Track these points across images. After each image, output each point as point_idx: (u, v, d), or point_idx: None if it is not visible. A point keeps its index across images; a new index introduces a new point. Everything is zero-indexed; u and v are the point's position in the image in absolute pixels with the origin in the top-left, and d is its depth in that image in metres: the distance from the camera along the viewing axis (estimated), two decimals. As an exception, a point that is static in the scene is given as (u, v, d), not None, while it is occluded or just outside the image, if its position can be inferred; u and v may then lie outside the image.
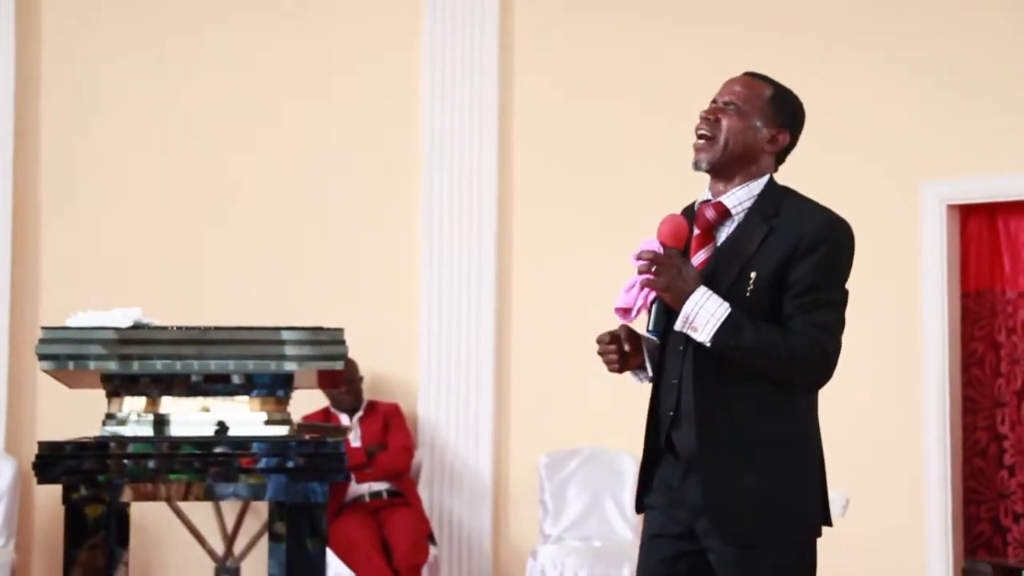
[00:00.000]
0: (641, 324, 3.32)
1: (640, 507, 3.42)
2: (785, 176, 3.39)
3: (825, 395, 3.32)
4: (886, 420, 6.43)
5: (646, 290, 3.25)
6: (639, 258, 3.23)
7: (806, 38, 6.71)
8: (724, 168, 3.30)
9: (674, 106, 6.84)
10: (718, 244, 3.28)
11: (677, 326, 3.20)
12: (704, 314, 3.16)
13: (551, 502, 6.99)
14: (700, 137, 3.31)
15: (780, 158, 3.37)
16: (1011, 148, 6.29)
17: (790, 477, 3.23)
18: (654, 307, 3.24)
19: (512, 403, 7.25)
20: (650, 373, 3.35)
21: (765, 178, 3.32)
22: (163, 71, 7.53)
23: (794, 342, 3.17)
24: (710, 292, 3.18)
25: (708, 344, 3.17)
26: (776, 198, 3.30)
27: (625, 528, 6.88)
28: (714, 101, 3.34)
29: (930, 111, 6.46)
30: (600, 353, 3.33)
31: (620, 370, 3.35)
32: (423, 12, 7.43)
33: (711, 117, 3.30)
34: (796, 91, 3.40)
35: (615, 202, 7.10)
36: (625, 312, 3.30)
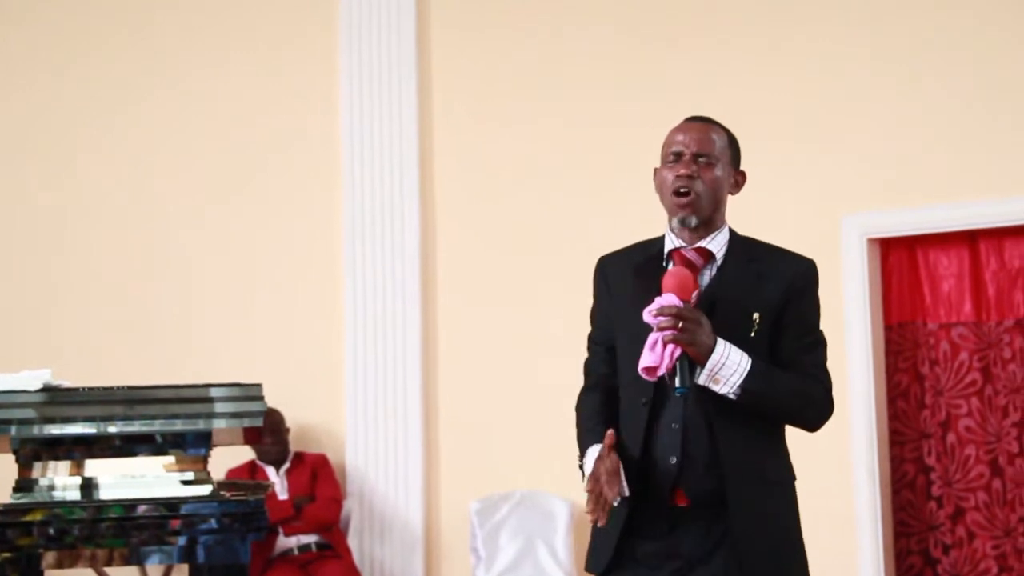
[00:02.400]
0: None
1: (602, 571, 3.32)
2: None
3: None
4: (814, 454, 6.41)
5: (670, 347, 3.18)
6: (661, 314, 3.16)
7: (727, 72, 6.73)
8: (707, 220, 3.31)
9: (600, 134, 6.85)
10: (702, 289, 3.28)
11: (701, 380, 3.18)
12: (730, 365, 3.16)
13: (483, 548, 6.91)
14: (682, 195, 3.28)
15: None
16: (929, 181, 6.35)
17: (797, 516, 3.32)
18: (678, 364, 3.18)
19: (441, 450, 7.18)
20: (626, 493, 3.25)
21: (727, 222, 3.38)
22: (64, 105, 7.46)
23: (807, 384, 3.25)
24: (729, 343, 3.18)
25: (733, 396, 3.17)
26: (745, 242, 3.36)
27: (558, 572, 6.82)
28: (679, 154, 3.29)
29: (849, 144, 6.51)
30: (590, 501, 3.22)
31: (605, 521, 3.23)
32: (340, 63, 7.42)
33: (693, 175, 3.27)
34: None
35: (542, 247, 7.07)
36: (651, 371, 3.22)
